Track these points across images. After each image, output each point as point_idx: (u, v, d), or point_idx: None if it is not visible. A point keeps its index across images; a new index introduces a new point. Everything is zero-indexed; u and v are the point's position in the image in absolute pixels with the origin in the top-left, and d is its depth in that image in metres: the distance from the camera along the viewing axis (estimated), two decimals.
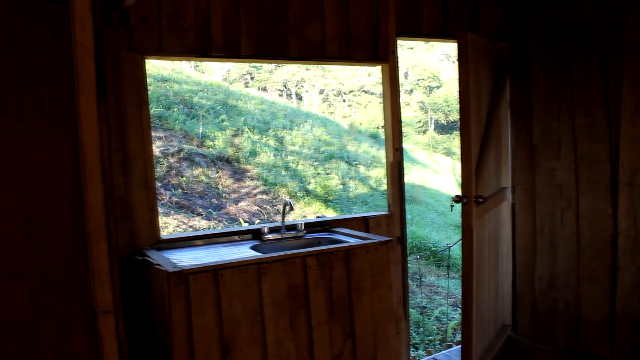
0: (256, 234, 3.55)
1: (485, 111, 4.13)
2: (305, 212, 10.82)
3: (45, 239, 2.20)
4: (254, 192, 10.86)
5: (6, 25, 2.15)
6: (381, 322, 3.26)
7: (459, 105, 3.70)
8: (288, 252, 2.97)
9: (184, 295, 2.65)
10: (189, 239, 3.40)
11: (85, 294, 2.21)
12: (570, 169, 4.15)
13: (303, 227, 3.62)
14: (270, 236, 3.49)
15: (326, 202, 11.35)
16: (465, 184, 3.73)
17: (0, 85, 2.17)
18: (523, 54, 4.46)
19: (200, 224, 8.98)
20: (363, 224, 3.94)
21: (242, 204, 10.33)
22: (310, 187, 11.70)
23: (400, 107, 4.07)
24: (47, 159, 2.21)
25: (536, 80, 4.37)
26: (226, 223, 9.44)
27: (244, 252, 3.19)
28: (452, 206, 4.00)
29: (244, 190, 10.82)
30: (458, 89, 3.70)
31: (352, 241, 3.34)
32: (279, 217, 10.04)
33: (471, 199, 3.70)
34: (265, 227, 3.50)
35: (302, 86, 27.43)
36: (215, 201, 10.10)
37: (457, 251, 9.16)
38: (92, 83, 1.89)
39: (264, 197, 10.87)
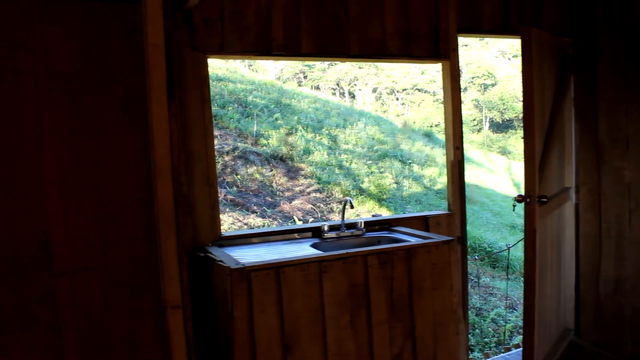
0: (316, 232, 3.55)
1: (548, 108, 4.01)
2: (358, 210, 10.79)
3: (117, 234, 2.26)
4: (308, 190, 10.88)
5: (83, 27, 2.21)
6: (441, 323, 3.21)
7: (522, 103, 3.61)
8: (349, 251, 2.96)
9: (246, 292, 2.67)
10: (249, 236, 3.43)
11: (155, 289, 2.26)
12: (639, 168, 3.99)
13: (362, 226, 3.60)
14: (330, 234, 3.49)
15: (380, 200, 11.28)
16: (528, 183, 3.63)
17: (77, 85, 2.23)
18: (589, 50, 4.31)
19: (255, 222, 9.06)
20: (423, 223, 3.89)
21: (295, 202, 10.36)
22: (364, 185, 11.65)
23: (461, 105, 4.00)
24: (120, 157, 2.26)
25: (603, 76, 4.22)
26: (280, 221, 9.49)
27: (304, 250, 3.19)
28: (514, 206, 3.91)
29: (297, 189, 10.86)
30: (522, 86, 3.60)
31: (413, 240, 3.31)
32: (332, 216, 10.05)
33: (534, 198, 3.60)
34: (325, 225, 3.50)
35: (355, 84, 27.35)
36: (270, 199, 10.17)
37: (514, 252, 8.96)
38: (163, 82, 1.93)
39: (318, 195, 10.87)
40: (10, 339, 2.19)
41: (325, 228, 3.49)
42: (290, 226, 4.16)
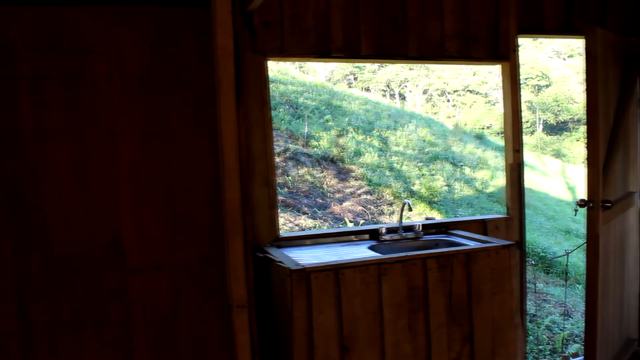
0: (373, 234, 3.54)
1: (612, 110, 3.90)
2: (409, 213, 10.70)
3: (186, 234, 2.31)
4: (358, 192, 10.87)
5: (155, 32, 2.27)
6: (501, 329, 3.16)
7: (584, 105, 3.52)
8: (409, 254, 2.95)
9: (306, 293, 2.69)
10: (306, 237, 3.45)
11: (221, 289, 2.29)
12: None
13: (420, 229, 3.57)
14: (388, 237, 3.48)
15: (431, 203, 11.17)
16: (591, 187, 3.53)
17: (149, 88, 2.29)
18: None
19: (306, 223, 9.10)
20: (481, 226, 3.83)
21: (346, 204, 10.36)
22: (415, 188, 11.56)
23: (520, 107, 3.93)
24: (189, 158, 2.32)
25: None
26: (331, 222, 9.50)
27: (362, 252, 3.19)
28: (575, 211, 3.81)
29: (348, 190, 10.85)
30: (585, 88, 3.51)
31: (472, 244, 3.26)
32: (382, 218, 10.00)
33: (598, 203, 3.50)
34: (383, 227, 3.49)
35: (406, 86, 27.18)
36: (320, 200, 10.19)
37: (570, 258, 8.72)
38: (232, 85, 1.96)
39: (368, 197, 10.84)
40: (85, 333, 2.27)
41: (383, 230, 3.48)
42: (347, 228, 4.17)
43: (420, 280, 2.94)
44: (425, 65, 22.60)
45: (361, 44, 3.45)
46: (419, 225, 3.59)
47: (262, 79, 3.23)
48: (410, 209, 3.48)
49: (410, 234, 3.54)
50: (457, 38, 3.73)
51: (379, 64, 24.27)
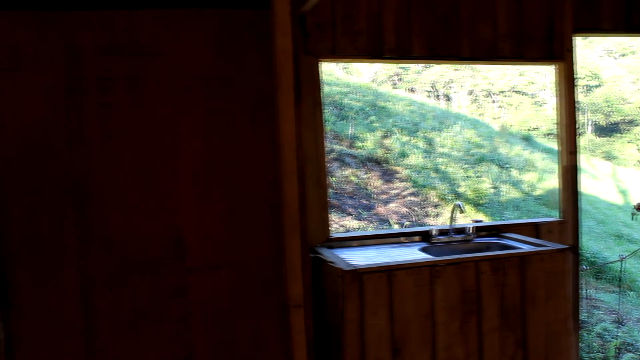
0: (424, 236, 3.52)
1: None
2: (455, 216, 10.57)
3: (245, 234, 2.34)
4: (403, 193, 10.80)
5: (216, 33, 2.31)
6: (554, 334, 3.10)
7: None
8: (462, 256, 2.92)
9: (358, 294, 2.69)
10: (357, 238, 3.45)
11: (279, 288, 2.32)
12: None
13: (472, 231, 3.53)
14: (439, 238, 3.45)
15: (477, 205, 11.01)
16: None
17: (210, 89, 2.33)
18: None
19: (351, 224, 9.09)
20: (533, 230, 3.77)
21: (391, 205, 10.31)
22: (461, 190, 11.42)
23: (575, 108, 3.85)
24: (249, 158, 2.34)
25: None
26: (376, 224, 9.48)
27: (413, 253, 3.18)
28: (633, 214, 3.71)
29: (393, 192, 10.80)
30: None
31: (525, 248, 3.21)
32: (428, 220, 9.92)
33: None
34: (434, 229, 3.47)
35: (451, 87, 26.89)
36: (365, 202, 10.17)
37: (621, 264, 8.47)
38: (291, 85, 1.98)
39: (414, 199, 10.77)
40: (147, 329, 2.32)
41: (434, 232, 3.46)
42: (397, 229, 4.16)
43: (473, 283, 2.91)
44: (471, 65, 22.33)
45: (413, 45, 3.44)
46: (470, 227, 3.55)
47: (315, 80, 3.25)
48: (462, 211, 3.44)
49: (461, 236, 3.50)
50: (510, 38, 3.68)
51: (424, 65, 24.10)
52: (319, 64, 3.28)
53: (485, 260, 2.92)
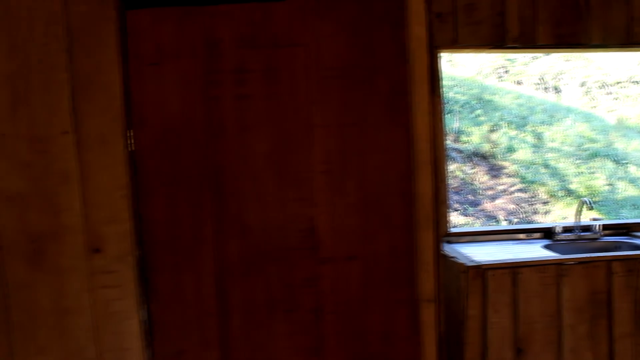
0: (546, 233, 3.37)
1: None
2: (566, 213, 10.13)
3: (377, 225, 2.33)
4: (511, 189, 10.47)
5: (352, 22, 2.32)
6: None
7: None
8: (592, 255, 2.77)
9: (481, 291, 2.63)
10: (477, 233, 3.37)
11: (410, 282, 2.30)
12: None
13: (600, 229, 3.34)
14: (563, 236, 3.29)
15: (590, 203, 10.48)
16: None
17: (344, 79, 2.34)
18: None
19: (457, 220, 8.92)
20: None
21: (498, 202, 10.03)
22: (572, 187, 10.91)
23: None
24: (382, 149, 2.33)
25: None
26: (482, 220, 9.26)
27: (536, 251, 3.05)
28: None
29: (500, 188, 10.50)
30: None
31: None
32: (537, 217, 9.56)
33: None
34: (558, 226, 3.32)
35: (561, 78, 25.67)
36: (471, 197, 9.96)
37: None
38: (425, 75, 1.95)
39: (522, 195, 10.42)
40: (278, 318, 2.38)
41: (558, 229, 3.30)
42: (519, 225, 4.02)
43: (603, 284, 2.75)
44: (584, 55, 21.20)
45: (538, 33, 3.28)
46: (597, 225, 3.36)
47: (435, 71, 3.18)
48: (590, 208, 3.27)
49: (588, 234, 3.32)
50: None
51: (533, 56, 23.16)
52: (439, 55, 3.21)
53: (618, 260, 2.75)
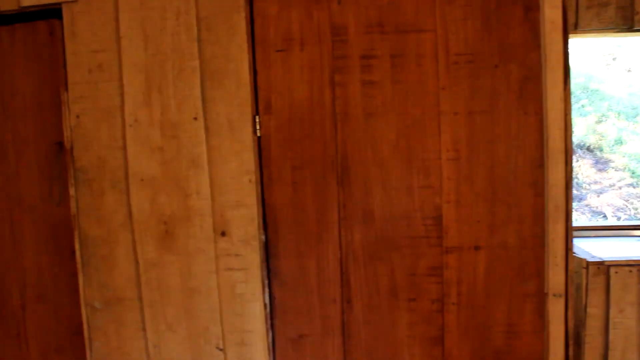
0: None
1: None
2: None
3: (505, 216, 2.29)
4: (619, 184, 9.96)
5: (482, 7, 2.28)
6: None
7: None
8: None
9: (604, 288, 2.53)
10: (594, 228, 3.23)
11: (538, 274, 2.24)
12: None
13: None
14: None
15: None
16: None
17: (473, 65, 2.31)
18: None
19: None
20: None
21: (605, 197, 9.57)
22: None
23: None
24: (512, 137, 2.28)
25: None
26: (588, 216, 8.88)
27: None
28: None
29: (607, 182, 10.01)
30: None
31: None
32: None
33: None
34: None
35: None
36: (575, 192, 9.54)
37: None
38: (560, 60, 1.87)
39: (631, 190, 9.89)
40: (400, 307, 2.40)
41: None
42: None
43: None
44: None
45: None
46: None
47: (566, 57, 3.03)
48: None
49: None
50: None
51: None
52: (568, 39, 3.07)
53: None
